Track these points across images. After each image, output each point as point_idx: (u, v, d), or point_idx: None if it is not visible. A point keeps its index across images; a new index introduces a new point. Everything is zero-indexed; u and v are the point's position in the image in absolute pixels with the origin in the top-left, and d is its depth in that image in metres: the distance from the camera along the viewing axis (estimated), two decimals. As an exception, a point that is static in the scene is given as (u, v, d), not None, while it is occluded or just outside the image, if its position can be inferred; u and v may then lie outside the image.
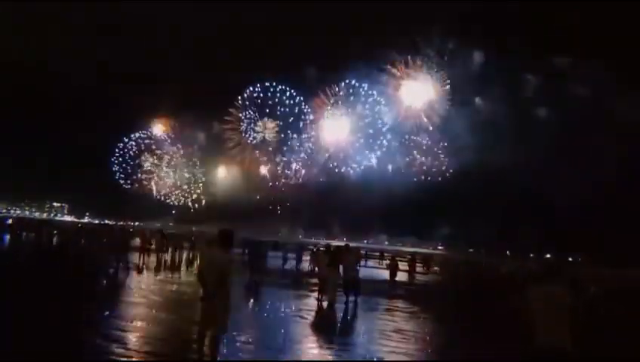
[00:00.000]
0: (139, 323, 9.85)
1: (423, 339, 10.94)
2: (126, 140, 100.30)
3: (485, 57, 72.70)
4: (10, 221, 42.28)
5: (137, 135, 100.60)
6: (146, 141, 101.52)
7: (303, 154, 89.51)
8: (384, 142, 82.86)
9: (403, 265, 29.36)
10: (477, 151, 68.07)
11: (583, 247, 64.95)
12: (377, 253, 42.80)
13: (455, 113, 75.92)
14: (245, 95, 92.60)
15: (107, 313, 10.43)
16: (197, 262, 23.91)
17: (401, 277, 25.60)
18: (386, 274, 23.56)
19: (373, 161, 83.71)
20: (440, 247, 76.18)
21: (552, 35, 69.24)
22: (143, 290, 14.62)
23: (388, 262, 24.74)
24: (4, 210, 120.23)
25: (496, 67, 69.51)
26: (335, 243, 32.44)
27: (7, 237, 29.23)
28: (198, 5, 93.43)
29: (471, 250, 70.25)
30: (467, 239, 75.31)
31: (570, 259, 62.62)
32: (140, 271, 19.28)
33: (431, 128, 79.22)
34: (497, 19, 71.01)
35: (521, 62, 70.10)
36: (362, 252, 32.18)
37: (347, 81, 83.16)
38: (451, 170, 76.07)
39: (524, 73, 72.52)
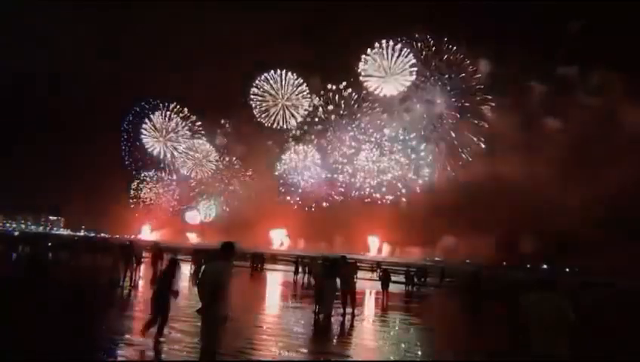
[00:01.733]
0: (136, 338, 9.83)
1: (418, 348, 10.97)
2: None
3: (492, 66, 73.36)
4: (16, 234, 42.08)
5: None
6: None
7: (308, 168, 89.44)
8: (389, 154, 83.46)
9: (399, 277, 29.40)
10: (482, 162, 68.30)
11: (581, 258, 64.75)
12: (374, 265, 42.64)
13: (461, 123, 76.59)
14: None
15: (105, 327, 10.44)
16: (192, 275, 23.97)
17: (399, 288, 25.68)
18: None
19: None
20: (437, 258, 76.00)
21: (560, 44, 69.67)
22: (140, 303, 14.60)
23: (381, 273, 24.71)
24: (0, 224, 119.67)
25: (502, 76, 70.18)
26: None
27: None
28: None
29: (468, 261, 70.06)
30: (468, 250, 75.08)
31: (567, 270, 62.60)
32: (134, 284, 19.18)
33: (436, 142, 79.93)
34: (505, 28, 71.38)
35: (529, 72, 70.72)
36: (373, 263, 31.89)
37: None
38: (456, 180, 76.23)
39: (531, 82, 73.11)
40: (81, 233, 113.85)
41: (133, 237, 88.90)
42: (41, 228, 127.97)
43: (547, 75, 71.35)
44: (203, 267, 7.72)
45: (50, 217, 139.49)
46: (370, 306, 18.20)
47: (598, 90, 64.93)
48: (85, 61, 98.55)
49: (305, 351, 9.96)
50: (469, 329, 15.20)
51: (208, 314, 6.45)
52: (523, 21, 75.44)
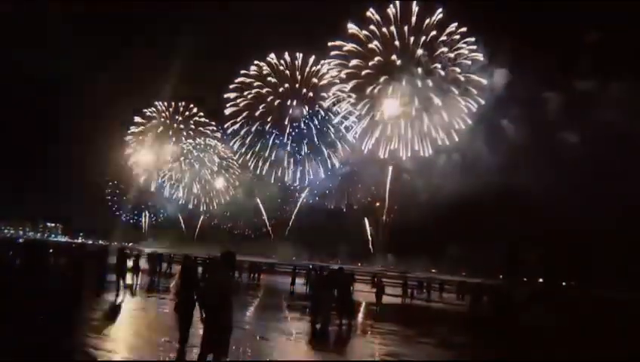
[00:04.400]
0: (135, 348, 9.85)
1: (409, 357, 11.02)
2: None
3: (509, 77, 72.88)
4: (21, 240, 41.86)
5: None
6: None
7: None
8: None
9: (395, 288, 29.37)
10: (492, 174, 67.95)
11: (582, 273, 64.26)
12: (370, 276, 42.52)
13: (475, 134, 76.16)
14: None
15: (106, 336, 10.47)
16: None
17: (396, 300, 25.69)
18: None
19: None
20: (433, 271, 75.76)
21: (578, 56, 69.14)
22: (137, 311, 14.61)
23: (376, 285, 24.69)
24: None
25: (519, 88, 69.81)
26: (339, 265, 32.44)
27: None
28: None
29: (464, 274, 69.84)
30: (470, 263, 74.67)
31: (564, 284, 62.42)
32: (132, 292, 19.16)
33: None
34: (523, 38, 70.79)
35: (546, 83, 70.31)
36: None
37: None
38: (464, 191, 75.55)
39: (547, 94, 72.70)
40: (79, 240, 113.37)
41: (130, 244, 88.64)
42: (38, 235, 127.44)
43: (564, 87, 70.83)
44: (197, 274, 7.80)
45: (48, 224, 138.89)
46: (364, 317, 18.18)
47: (616, 104, 64.50)
48: (83, 64, 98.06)
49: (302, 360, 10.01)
50: (459, 342, 15.20)
51: (214, 324, 6.50)
52: (540, 31, 74.60)
